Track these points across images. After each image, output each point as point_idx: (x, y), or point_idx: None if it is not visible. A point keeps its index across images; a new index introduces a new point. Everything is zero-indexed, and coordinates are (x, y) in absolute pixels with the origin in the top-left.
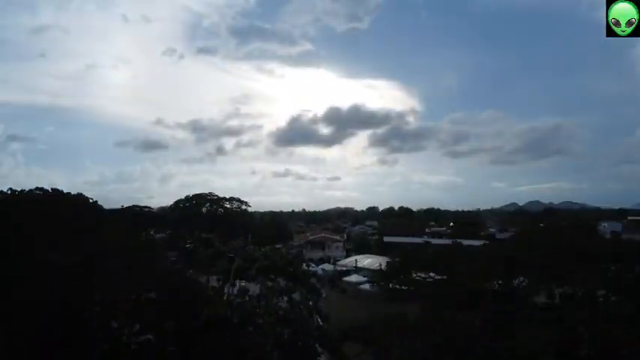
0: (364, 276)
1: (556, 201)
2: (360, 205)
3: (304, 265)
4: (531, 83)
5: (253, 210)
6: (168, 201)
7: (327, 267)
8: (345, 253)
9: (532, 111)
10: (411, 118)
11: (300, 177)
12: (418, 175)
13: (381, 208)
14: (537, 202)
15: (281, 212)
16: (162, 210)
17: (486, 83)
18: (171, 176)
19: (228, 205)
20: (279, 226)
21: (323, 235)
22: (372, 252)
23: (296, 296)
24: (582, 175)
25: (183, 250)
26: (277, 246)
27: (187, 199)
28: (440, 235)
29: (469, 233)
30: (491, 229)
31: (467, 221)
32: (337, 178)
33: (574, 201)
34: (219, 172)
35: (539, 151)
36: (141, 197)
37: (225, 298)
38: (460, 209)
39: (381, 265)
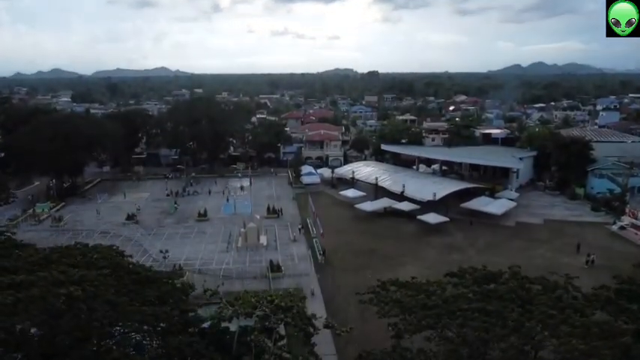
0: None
1: (560, 63)
2: (361, 68)
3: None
4: None
5: (251, 72)
6: (162, 62)
7: (326, 172)
8: (342, 152)
9: None
10: None
11: (299, 36)
12: (422, 35)
13: (381, 71)
14: (541, 63)
15: (280, 75)
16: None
17: None
18: (165, 35)
19: (225, 108)
20: (278, 128)
21: (322, 133)
22: (369, 150)
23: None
24: (591, 35)
25: (183, 149)
26: (272, 151)
27: (186, 101)
28: (437, 132)
29: (465, 137)
30: (489, 115)
31: (463, 123)
32: (337, 37)
33: (579, 62)
34: (214, 30)
35: (551, 9)
36: (135, 57)
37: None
38: (463, 71)
39: (377, 178)
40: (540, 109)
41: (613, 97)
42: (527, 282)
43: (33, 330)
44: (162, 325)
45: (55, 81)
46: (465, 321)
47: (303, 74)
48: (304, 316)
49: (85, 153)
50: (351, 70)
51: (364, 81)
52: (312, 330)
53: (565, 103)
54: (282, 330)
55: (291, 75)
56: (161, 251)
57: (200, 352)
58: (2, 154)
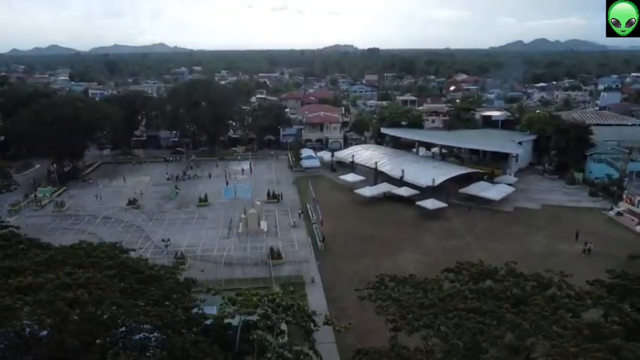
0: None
1: (563, 39)
2: (361, 44)
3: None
4: None
5: (250, 49)
6: (160, 38)
7: (326, 156)
8: (342, 134)
9: None
10: None
11: (299, 11)
12: (424, 10)
13: (381, 47)
14: (543, 40)
15: (280, 52)
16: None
17: None
18: (163, 10)
19: (224, 90)
20: (278, 111)
21: (322, 115)
22: (369, 132)
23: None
24: (593, 11)
25: (183, 131)
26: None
27: (185, 84)
28: (437, 114)
29: (465, 120)
30: (489, 95)
31: (463, 106)
32: (337, 13)
33: (581, 39)
34: (213, 5)
35: None
36: (133, 33)
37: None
38: (464, 47)
39: (376, 163)
40: (541, 89)
41: (615, 76)
42: (523, 279)
43: (42, 332)
44: (167, 324)
45: (53, 58)
46: (460, 321)
47: (302, 51)
48: (305, 314)
49: (85, 137)
50: (352, 46)
51: (364, 58)
52: (312, 326)
53: (567, 82)
54: (283, 326)
55: (291, 52)
56: (163, 240)
57: (204, 351)
58: (2, 138)
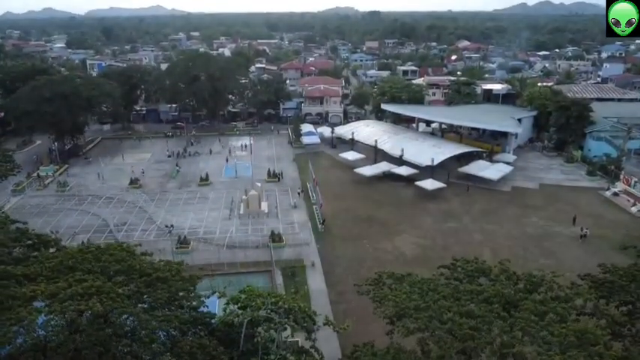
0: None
1: (567, 1)
2: (362, 6)
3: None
4: None
5: (249, 12)
6: (157, 1)
7: (326, 132)
8: (342, 108)
9: None
10: None
11: None
12: None
13: (382, 10)
14: (548, 2)
15: (279, 15)
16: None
17: None
18: None
19: (224, 65)
20: (278, 85)
21: (322, 88)
22: (369, 104)
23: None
24: None
25: (183, 105)
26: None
27: (184, 58)
28: (438, 86)
29: (465, 94)
30: (491, 65)
31: (464, 80)
32: None
33: (587, 1)
34: None
35: None
36: None
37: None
38: (467, 10)
39: (376, 141)
40: (544, 58)
41: (619, 43)
42: (516, 278)
43: (57, 342)
44: (174, 327)
45: (48, 22)
46: (453, 325)
47: (302, 14)
48: (306, 314)
49: (85, 113)
50: (352, 8)
51: (365, 21)
52: (313, 326)
53: (570, 52)
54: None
55: (291, 15)
56: (166, 226)
57: (211, 354)
58: (2, 114)
